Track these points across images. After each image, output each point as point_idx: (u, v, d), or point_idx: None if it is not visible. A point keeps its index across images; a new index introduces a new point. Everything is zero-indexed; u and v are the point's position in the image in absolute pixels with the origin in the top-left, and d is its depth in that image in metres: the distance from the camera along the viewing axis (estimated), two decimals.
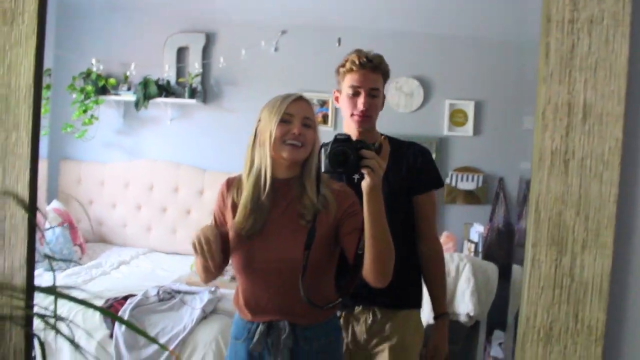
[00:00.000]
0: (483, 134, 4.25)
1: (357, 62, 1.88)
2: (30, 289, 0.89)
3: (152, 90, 4.08)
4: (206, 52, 4.26)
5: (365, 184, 1.33)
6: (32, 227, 0.90)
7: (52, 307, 0.97)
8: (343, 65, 1.92)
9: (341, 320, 1.91)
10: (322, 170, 1.40)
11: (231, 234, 1.60)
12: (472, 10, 3.85)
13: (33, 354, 0.99)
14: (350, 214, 1.54)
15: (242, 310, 1.63)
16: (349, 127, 1.93)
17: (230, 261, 1.66)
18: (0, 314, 0.87)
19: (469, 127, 4.22)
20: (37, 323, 0.98)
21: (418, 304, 2.07)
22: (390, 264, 1.44)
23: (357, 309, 1.95)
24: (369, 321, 1.94)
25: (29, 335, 0.89)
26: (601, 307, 0.89)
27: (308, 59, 4.22)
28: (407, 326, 1.99)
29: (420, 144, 2.04)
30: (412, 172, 1.94)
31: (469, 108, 4.18)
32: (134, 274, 3.67)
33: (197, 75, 4.16)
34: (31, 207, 0.89)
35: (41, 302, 1.00)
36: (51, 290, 0.96)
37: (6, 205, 0.89)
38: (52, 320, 0.90)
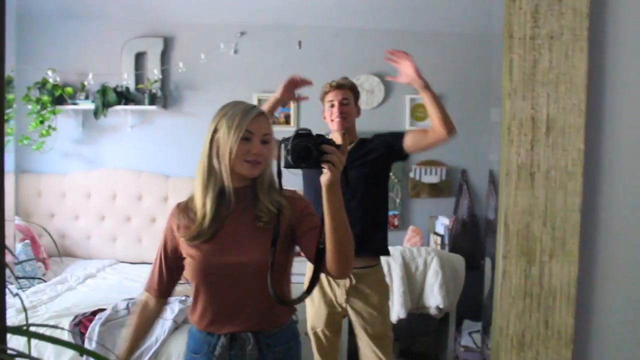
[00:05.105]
0: None
1: (329, 85, 2.58)
2: (2, 330, 0.86)
3: (111, 97, 3.99)
4: (165, 56, 4.19)
5: (325, 178, 1.34)
6: (2, 268, 0.87)
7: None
8: (323, 91, 2.59)
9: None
10: (284, 166, 1.40)
11: (186, 249, 1.60)
12: (431, 5, 3.89)
13: None
14: (305, 215, 1.57)
15: (201, 323, 1.62)
16: (334, 134, 2.56)
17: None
18: None
19: (430, 121, 4.26)
20: None
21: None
22: (352, 254, 1.46)
23: None
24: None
25: None
26: (570, 313, 0.93)
27: (269, 59, 4.20)
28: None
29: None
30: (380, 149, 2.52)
31: None
32: (101, 287, 3.59)
33: (156, 81, 4.09)
34: (0, 247, 0.86)
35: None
36: (24, 331, 0.93)
37: None
38: None
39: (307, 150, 1.32)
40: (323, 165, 1.32)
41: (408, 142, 2.51)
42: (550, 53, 0.90)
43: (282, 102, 2.54)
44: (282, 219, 1.56)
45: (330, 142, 1.34)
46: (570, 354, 0.93)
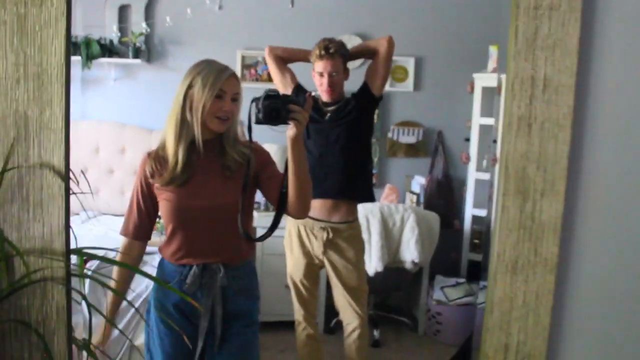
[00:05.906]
0: (423, 90, 4.45)
1: (319, 53, 2.58)
2: (68, 251, 0.99)
3: (95, 50, 3.99)
4: (149, 10, 4.19)
5: (291, 133, 1.55)
6: (67, 196, 0.99)
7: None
8: (313, 54, 2.61)
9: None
10: (254, 122, 1.59)
11: (161, 194, 1.76)
12: None
13: None
14: (266, 164, 1.78)
15: (174, 256, 1.79)
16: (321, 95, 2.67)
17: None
18: (43, 276, 0.97)
19: (409, 82, 4.38)
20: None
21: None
22: (310, 197, 1.69)
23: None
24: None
25: (70, 293, 0.99)
26: (555, 243, 1.11)
27: (253, 16, 4.21)
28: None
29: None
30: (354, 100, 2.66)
31: (410, 64, 4.34)
32: (87, 238, 3.60)
33: (140, 34, 4.09)
34: (66, 177, 0.98)
35: None
36: (80, 252, 1.06)
37: (43, 176, 0.97)
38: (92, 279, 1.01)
39: (277, 110, 1.52)
40: (289, 122, 1.53)
41: (367, 77, 2.68)
42: (550, 22, 1.06)
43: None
44: (247, 167, 1.73)
45: (297, 102, 1.53)
46: (554, 278, 1.12)
